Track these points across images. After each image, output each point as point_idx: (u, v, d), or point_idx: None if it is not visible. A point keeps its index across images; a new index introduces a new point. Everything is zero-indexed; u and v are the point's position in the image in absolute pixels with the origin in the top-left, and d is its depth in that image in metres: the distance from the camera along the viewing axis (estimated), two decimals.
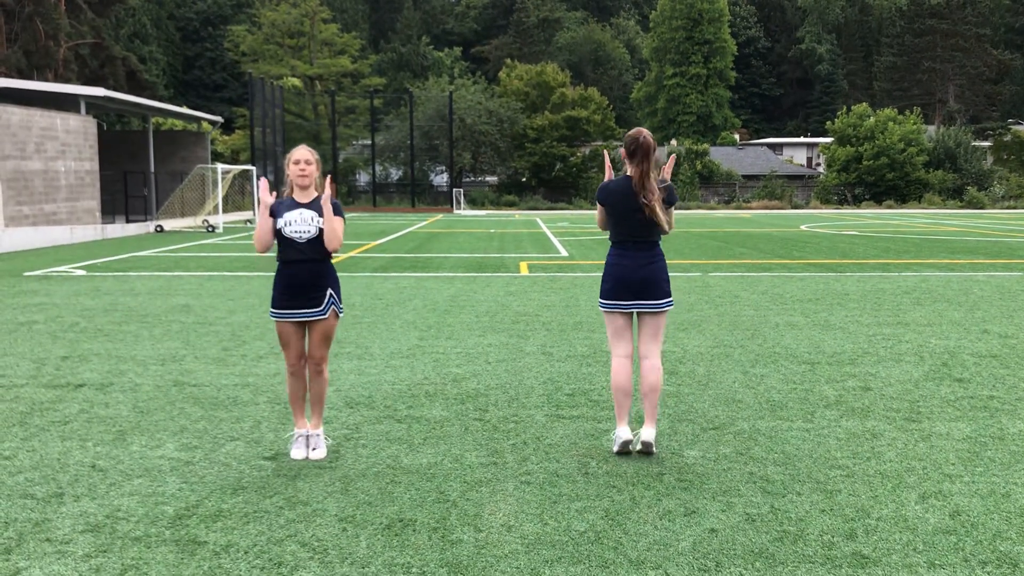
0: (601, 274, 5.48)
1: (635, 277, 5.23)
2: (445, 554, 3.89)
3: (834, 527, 4.20)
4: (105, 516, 4.33)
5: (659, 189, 5.20)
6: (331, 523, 4.24)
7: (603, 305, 5.36)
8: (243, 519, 4.29)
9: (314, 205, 5.08)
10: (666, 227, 5.21)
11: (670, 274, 5.72)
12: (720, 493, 4.63)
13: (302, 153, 5.09)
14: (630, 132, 5.32)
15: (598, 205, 5.41)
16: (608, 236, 5.43)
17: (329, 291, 5.14)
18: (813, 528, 4.18)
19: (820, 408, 6.32)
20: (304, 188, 5.09)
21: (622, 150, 5.28)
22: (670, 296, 5.34)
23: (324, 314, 5.12)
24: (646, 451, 5.24)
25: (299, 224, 5.02)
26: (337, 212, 5.11)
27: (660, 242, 5.36)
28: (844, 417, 6.09)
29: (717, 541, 4.03)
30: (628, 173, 5.28)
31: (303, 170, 5.06)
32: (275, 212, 5.07)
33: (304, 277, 5.06)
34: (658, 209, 5.14)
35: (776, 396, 6.66)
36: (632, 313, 5.35)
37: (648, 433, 5.24)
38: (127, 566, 3.78)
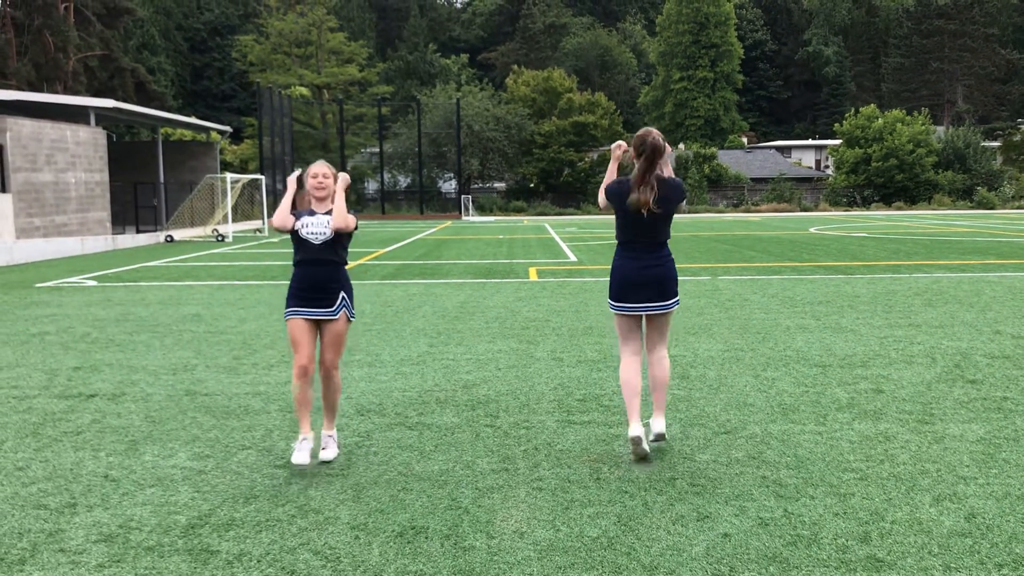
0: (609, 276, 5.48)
1: (642, 278, 5.21)
2: (458, 561, 3.89)
3: (848, 531, 4.17)
4: (118, 526, 4.34)
5: (667, 187, 5.14)
6: (343, 531, 4.24)
7: (612, 306, 5.39)
8: (256, 528, 4.29)
9: (331, 212, 5.25)
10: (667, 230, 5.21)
11: (680, 277, 5.69)
12: (733, 497, 4.61)
13: (319, 167, 5.30)
14: (639, 132, 5.30)
15: (602, 192, 5.36)
16: (615, 236, 5.42)
17: (342, 293, 5.26)
18: (827, 532, 4.16)
19: (832, 411, 6.30)
20: (322, 200, 5.26)
21: (631, 151, 5.25)
22: (677, 296, 5.35)
23: (335, 315, 5.22)
24: (659, 440, 5.33)
25: (314, 226, 5.20)
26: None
27: (667, 242, 5.35)
28: (856, 420, 6.06)
29: (730, 546, 4.01)
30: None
31: (321, 183, 5.25)
32: (295, 215, 5.26)
33: (318, 277, 5.20)
34: (653, 207, 5.07)
35: (788, 399, 6.64)
36: (641, 315, 5.36)
37: (658, 424, 5.33)
38: None
